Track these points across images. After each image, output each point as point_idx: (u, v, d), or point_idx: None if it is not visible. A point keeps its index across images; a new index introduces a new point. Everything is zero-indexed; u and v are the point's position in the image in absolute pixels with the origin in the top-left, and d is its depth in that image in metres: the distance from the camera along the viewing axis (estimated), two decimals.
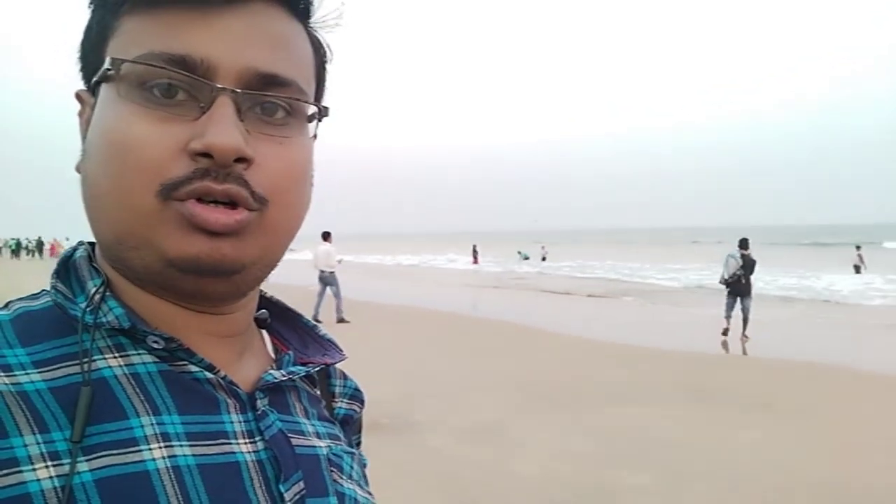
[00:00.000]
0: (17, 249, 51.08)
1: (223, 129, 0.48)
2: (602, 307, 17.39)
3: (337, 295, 13.08)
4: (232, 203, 0.50)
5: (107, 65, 0.50)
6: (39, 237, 54.57)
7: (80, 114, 0.57)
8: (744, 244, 11.94)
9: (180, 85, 0.49)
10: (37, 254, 51.86)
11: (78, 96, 0.57)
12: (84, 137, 0.55)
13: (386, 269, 35.26)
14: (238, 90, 0.50)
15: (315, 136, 0.59)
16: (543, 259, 40.79)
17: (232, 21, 0.51)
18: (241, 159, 0.49)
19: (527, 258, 40.62)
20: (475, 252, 40.89)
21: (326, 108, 0.58)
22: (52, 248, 50.04)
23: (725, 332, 11.61)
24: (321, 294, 13.22)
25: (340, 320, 12.65)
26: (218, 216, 0.49)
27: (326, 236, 13.32)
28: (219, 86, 0.49)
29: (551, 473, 4.95)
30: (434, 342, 11.04)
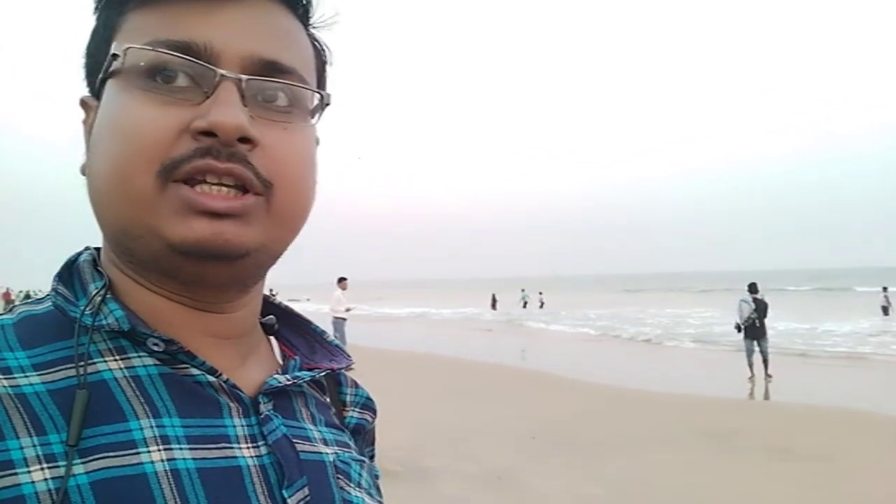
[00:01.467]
0: None
1: (227, 108, 0.48)
2: (613, 352, 17.18)
3: (341, 341, 13.02)
4: (239, 187, 0.49)
5: (113, 49, 0.50)
6: (28, 290, 54.84)
7: (84, 121, 0.57)
8: (753, 288, 12.15)
9: (184, 70, 0.50)
10: None
11: (83, 102, 0.58)
12: (88, 144, 0.55)
13: (399, 315, 35.05)
14: (242, 76, 0.50)
15: (318, 142, 0.59)
16: (541, 305, 40.36)
17: (235, 12, 0.51)
18: (246, 140, 0.49)
19: (525, 305, 40.17)
20: (494, 300, 40.37)
21: (329, 95, 0.58)
22: (6, 296, 50.24)
23: (751, 379, 11.57)
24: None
25: None
26: (221, 200, 0.48)
27: (340, 281, 13.38)
28: (222, 71, 0.49)
29: None
30: (445, 388, 10.89)
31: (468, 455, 6.58)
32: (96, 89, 0.54)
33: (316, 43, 0.61)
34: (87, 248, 0.59)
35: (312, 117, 0.57)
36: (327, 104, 0.58)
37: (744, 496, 5.35)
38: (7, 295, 49.47)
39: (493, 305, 39.78)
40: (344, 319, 13.19)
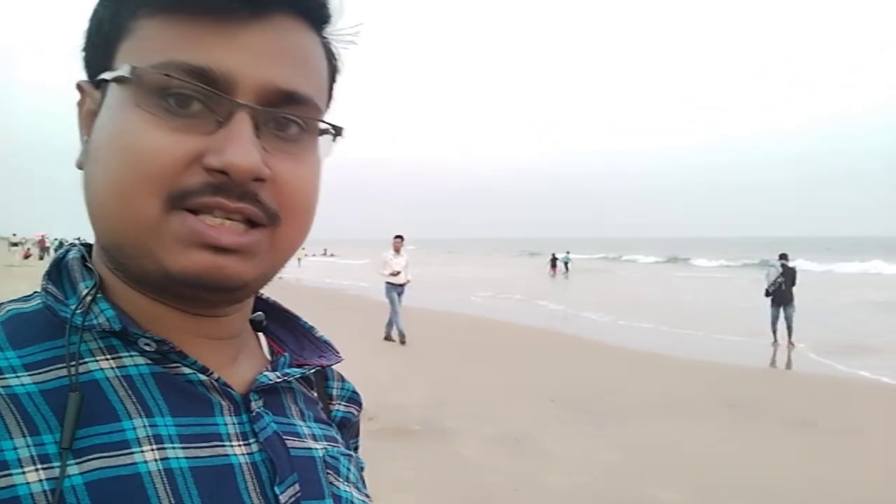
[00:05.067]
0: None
1: (243, 148, 0.48)
2: (637, 317, 17.09)
3: (392, 309, 11.70)
4: (248, 221, 0.49)
5: (125, 73, 0.49)
6: (62, 239, 56.54)
7: (80, 104, 0.56)
8: (783, 256, 13.04)
9: (197, 96, 0.48)
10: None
11: (79, 87, 0.56)
12: (83, 129, 0.54)
13: (433, 275, 34.97)
14: (257, 106, 0.49)
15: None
16: (565, 263, 39.45)
17: (255, 35, 0.50)
18: (257, 179, 0.49)
19: (566, 266, 39.31)
20: (554, 261, 38.43)
21: (341, 129, 0.57)
22: (41, 242, 51.84)
23: (774, 345, 12.09)
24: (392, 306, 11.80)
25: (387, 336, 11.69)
26: (228, 234, 0.48)
27: (395, 240, 11.72)
28: (239, 101, 0.49)
29: (580, 486, 4.88)
30: (468, 348, 10.99)
31: (487, 416, 6.68)
32: (95, 81, 0.53)
33: (329, 51, 0.58)
34: (74, 245, 0.59)
35: (320, 136, 0.56)
36: (340, 136, 0.57)
37: (762, 468, 5.35)
38: (42, 242, 51.16)
39: (553, 266, 38.24)
40: (394, 285, 11.45)
